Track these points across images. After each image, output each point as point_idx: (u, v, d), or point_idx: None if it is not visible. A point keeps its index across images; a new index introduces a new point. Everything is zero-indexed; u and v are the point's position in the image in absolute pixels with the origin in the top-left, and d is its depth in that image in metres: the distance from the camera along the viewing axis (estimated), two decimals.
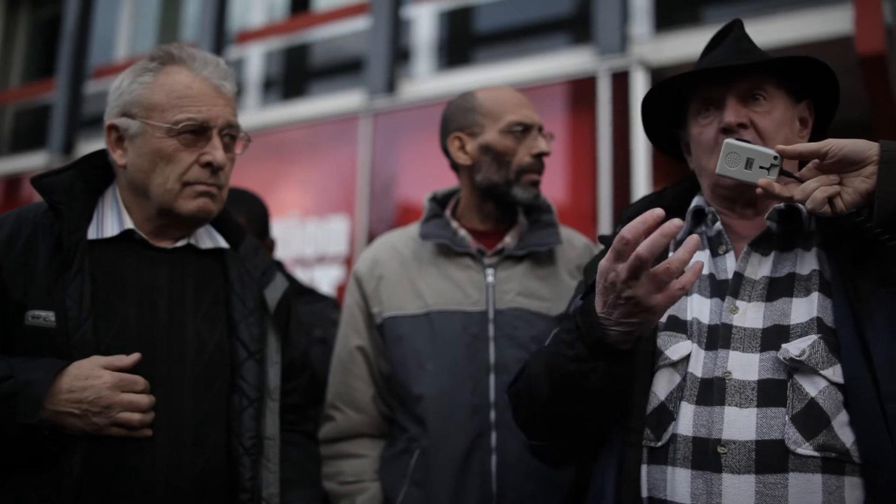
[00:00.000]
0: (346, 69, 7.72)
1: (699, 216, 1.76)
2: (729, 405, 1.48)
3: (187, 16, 9.39)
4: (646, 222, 1.35)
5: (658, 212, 1.35)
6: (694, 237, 1.37)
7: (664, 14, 6.12)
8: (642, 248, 1.34)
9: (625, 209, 1.86)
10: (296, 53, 8.17)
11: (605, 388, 1.52)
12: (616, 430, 1.61)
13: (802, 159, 1.53)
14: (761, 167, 1.53)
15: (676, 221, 1.34)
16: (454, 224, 2.29)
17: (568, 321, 1.57)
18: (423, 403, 2.13)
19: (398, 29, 7.23)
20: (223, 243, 1.95)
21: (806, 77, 1.70)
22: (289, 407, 2.01)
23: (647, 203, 1.84)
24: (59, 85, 9.36)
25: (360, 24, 7.57)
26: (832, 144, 1.47)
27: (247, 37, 8.41)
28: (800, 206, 1.60)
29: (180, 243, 1.87)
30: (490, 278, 2.20)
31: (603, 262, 1.42)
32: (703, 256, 1.69)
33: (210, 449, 1.77)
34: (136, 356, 1.70)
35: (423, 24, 7.44)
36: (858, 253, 1.51)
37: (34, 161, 9.20)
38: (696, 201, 1.78)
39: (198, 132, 1.80)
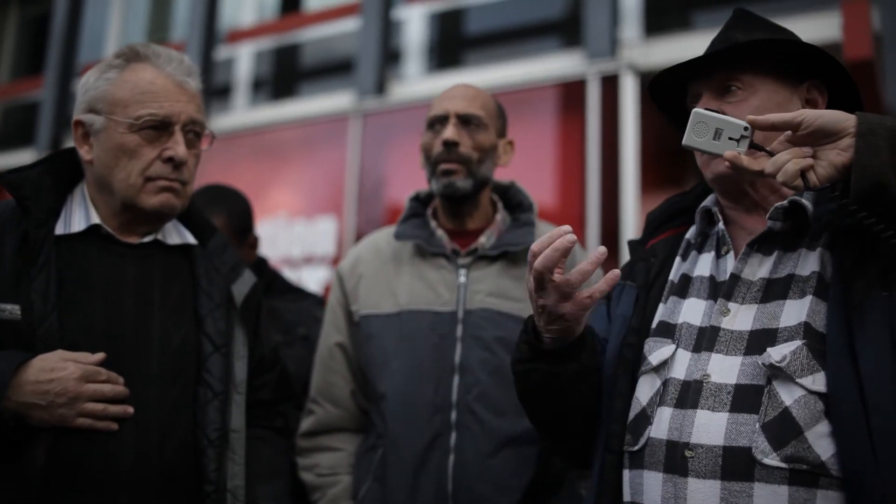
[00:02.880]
0: (336, 70, 7.71)
1: (709, 216, 1.69)
2: (702, 409, 1.44)
3: (177, 14, 9.37)
4: (552, 238, 1.43)
5: (565, 228, 1.43)
6: (602, 249, 1.43)
7: (654, 18, 6.14)
8: (538, 261, 1.43)
9: (650, 212, 1.83)
10: (286, 53, 8.16)
11: (551, 386, 1.58)
12: (600, 436, 1.60)
13: (775, 130, 1.43)
14: (730, 138, 1.45)
15: (569, 237, 1.41)
16: (433, 224, 2.29)
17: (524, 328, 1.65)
18: (385, 401, 2.15)
19: (388, 30, 7.23)
20: (191, 239, 1.96)
21: (803, 58, 1.63)
22: (259, 402, 2.03)
23: (671, 203, 1.81)
24: (47, 82, 9.33)
25: (350, 24, 7.57)
26: (806, 115, 1.38)
27: (237, 36, 8.40)
28: (805, 202, 1.54)
29: (147, 239, 1.89)
30: (462, 278, 2.19)
31: (526, 275, 1.50)
32: (708, 258, 1.64)
33: (176, 441, 1.78)
34: (100, 355, 1.71)
35: (414, 26, 7.44)
36: (860, 254, 1.44)
37: (22, 158, 9.14)
38: (707, 200, 1.71)
39: (160, 128, 1.81)
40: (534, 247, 1.44)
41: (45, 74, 9.44)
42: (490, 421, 2.06)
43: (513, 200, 2.35)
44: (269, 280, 2.80)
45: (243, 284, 1.99)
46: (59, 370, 1.65)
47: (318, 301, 2.95)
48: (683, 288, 1.64)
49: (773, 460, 1.36)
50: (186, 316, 1.87)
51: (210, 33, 8.28)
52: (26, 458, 1.63)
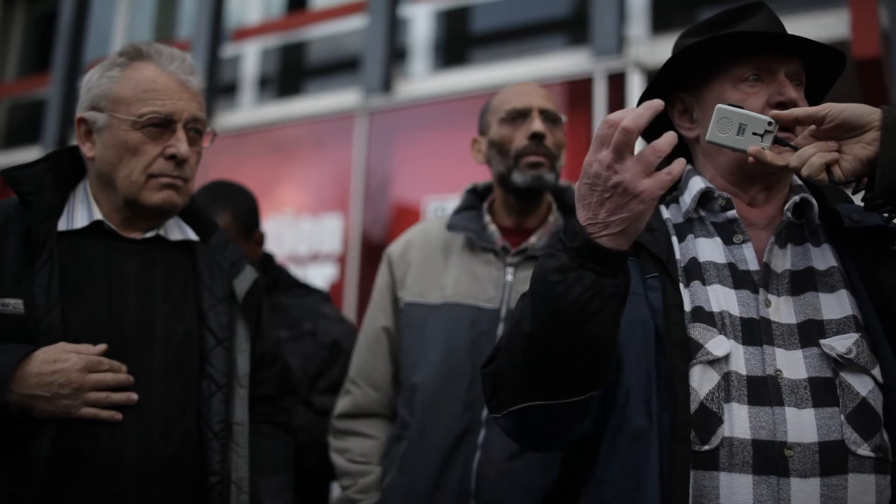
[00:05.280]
0: (342, 67, 7.71)
1: (705, 199, 1.62)
2: (788, 406, 1.41)
3: (184, 12, 9.38)
4: (632, 108, 1.28)
5: (657, 103, 1.29)
6: (671, 134, 1.29)
7: (660, 16, 6.12)
8: (628, 119, 1.25)
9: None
10: (292, 51, 8.16)
11: (592, 303, 1.31)
12: (650, 424, 1.43)
13: (799, 124, 1.44)
14: (754, 133, 1.44)
15: (659, 102, 1.28)
16: (487, 218, 2.29)
17: (551, 245, 1.41)
18: (417, 392, 2.16)
19: (395, 28, 7.23)
20: (192, 236, 1.98)
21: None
22: (261, 398, 2.05)
23: None
24: (54, 80, 9.35)
25: (356, 22, 7.56)
26: (831, 108, 1.38)
27: (243, 34, 8.40)
28: (812, 200, 1.55)
29: (149, 234, 1.91)
30: (509, 277, 2.18)
31: (587, 157, 1.29)
32: (712, 244, 1.57)
33: (179, 434, 1.79)
34: (102, 346, 1.73)
35: (420, 24, 7.44)
36: (878, 251, 1.46)
37: (28, 156, 9.16)
38: (700, 182, 1.62)
39: (162, 125, 1.83)
40: (611, 117, 1.27)
41: (52, 72, 9.46)
42: None
43: (568, 203, 2.31)
44: (275, 276, 2.81)
45: (245, 280, 2.01)
46: (62, 361, 1.66)
47: (324, 297, 2.96)
48: (697, 272, 1.54)
49: (865, 450, 1.38)
50: (189, 310, 1.89)
51: (216, 31, 8.28)
52: (31, 451, 1.65)
